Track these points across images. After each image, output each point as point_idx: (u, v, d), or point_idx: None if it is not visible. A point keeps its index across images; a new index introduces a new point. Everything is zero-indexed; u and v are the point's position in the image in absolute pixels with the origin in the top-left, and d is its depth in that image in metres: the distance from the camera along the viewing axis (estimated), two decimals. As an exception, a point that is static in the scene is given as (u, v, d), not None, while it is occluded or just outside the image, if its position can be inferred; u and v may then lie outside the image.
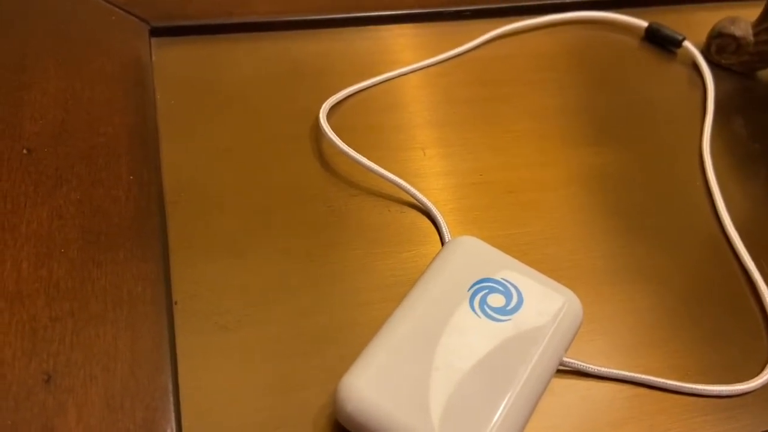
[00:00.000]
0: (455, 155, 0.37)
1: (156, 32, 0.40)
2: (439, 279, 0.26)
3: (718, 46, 0.45)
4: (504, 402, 0.23)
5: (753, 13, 0.45)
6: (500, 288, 0.26)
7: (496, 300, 0.26)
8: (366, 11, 0.44)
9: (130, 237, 0.29)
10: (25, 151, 0.31)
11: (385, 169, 0.34)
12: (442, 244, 0.32)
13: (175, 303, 0.28)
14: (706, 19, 0.47)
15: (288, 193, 0.34)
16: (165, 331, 0.27)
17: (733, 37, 0.44)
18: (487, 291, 0.26)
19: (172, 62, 0.39)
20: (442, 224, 0.32)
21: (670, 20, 0.46)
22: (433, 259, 0.29)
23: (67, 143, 0.32)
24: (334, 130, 0.35)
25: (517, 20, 0.45)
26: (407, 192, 0.34)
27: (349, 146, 0.35)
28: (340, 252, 0.31)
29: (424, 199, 0.33)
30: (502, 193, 0.35)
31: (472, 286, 0.26)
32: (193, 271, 0.30)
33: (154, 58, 0.39)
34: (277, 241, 0.32)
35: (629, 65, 0.45)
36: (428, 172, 0.36)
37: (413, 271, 0.31)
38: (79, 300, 0.27)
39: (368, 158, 0.34)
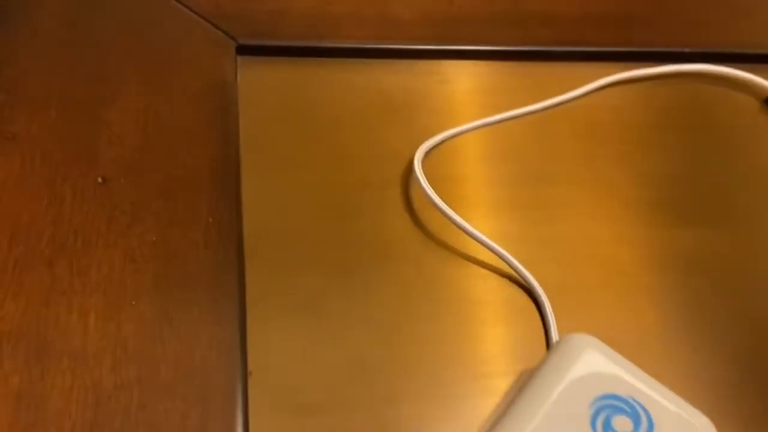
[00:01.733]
0: (559, 220, 0.33)
1: (242, 50, 0.37)
2: (554, 388, 0.23)
3: None
4: None
5: None
6: (627, 409, 0.22)
7: (622, 424, 0.22)
8: (465, 44, 0.41)
9: (206, 291, 0.26)
10: (100, 180, 0.29)
11: (481, 231, 0.31)
12: (545, 328, 0.28)
13: (250, 374, 0.25)
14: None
15: (373, 249, 0.31)
16: (238, 409, 0.24)
17: None
18: (611, 411, 0.22)
19: (257, 85, 0.36)
20: (546, 307, 0.29)
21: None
22: (545, 358, 0.25)
23: (145, 174, 0.30)
24: (426, 179, 0.32)
25: (631, 67, 0.41)
26: (508, 263, 0.30)
27: (442, 200, 0.31)
28: (428, 327, 0.28)
29: (527, 274, 0.30)
30: (612, 272, 0.32)
31: (594, 402, 0.22)
32: (270, 336, 0.27)
33: (238, 79, 0.36)
34: (361, 307, 0.28)
35: (751, 129, 0.41)
36: (529, 238, 0.32)
37: (512, 360, 0.27)
38: (147, 365, 0.24)
39: (463, 215, 0.31)
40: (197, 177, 0.30)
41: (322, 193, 0.32)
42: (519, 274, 0.30)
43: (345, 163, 0.34)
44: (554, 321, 0.28)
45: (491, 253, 0.30)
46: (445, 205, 0.31)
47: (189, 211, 0.29)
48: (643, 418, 0.22)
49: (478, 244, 0.31)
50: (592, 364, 0.24)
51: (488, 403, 0.24)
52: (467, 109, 0.38)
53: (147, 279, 0.26)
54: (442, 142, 0.36)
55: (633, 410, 0.23)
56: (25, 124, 0.29)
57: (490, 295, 0.30)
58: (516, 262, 0.30)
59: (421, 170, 0.33)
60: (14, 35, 0.32)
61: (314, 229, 0.31)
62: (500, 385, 0.25)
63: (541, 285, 0.29)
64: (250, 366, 0.25)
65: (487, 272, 0.30)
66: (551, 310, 0.29)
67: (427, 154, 0.35)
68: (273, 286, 0.28)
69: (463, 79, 0.40)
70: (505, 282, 0.30)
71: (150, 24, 0.36)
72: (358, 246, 0.31)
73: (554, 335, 0.28)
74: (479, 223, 0.31)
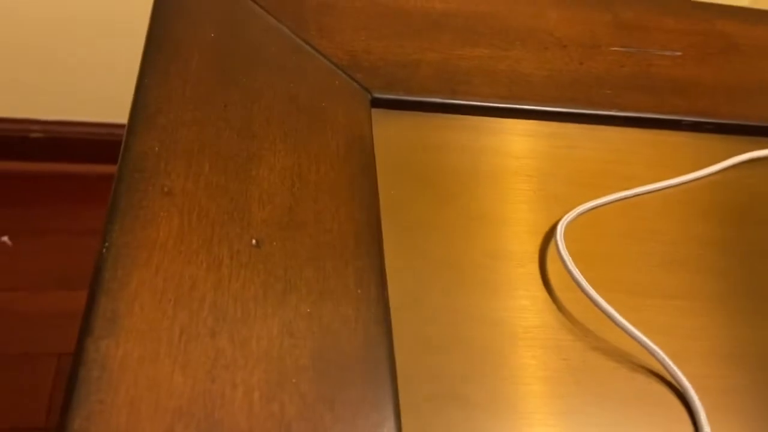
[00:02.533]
0: (706, 312, 0.32)
1: (376, 103, 0.37)
2: None
3: None
4: None
5: None
6: None
7: None
8: (593, 108, 0.40)
9: (361, 372, 0.26)
10: (254, 242, 0.28)
11: (625, 319, 0.30)
12: (697, 434, 0.27)
13: (406, 464, 0.25)
14: None
15: (513, 331, 0.30)
16: (399, 505, 0.23)
17: None
18: None
19: (391, 141, 0.36)
20: (701, 415, 0.28)
21: None
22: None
23: (295, 238, 0.29)
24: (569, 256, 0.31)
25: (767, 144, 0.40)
26: (659, 360, 0.29)
27: (585, 280, 0.30)
28: (577, 424, 0.27)
29: (681, 376, 0.29)
30: (764, 374, 0.30)
31: None
32: (421, 423, 0.26)
33: (373, 133, 0.36)
34: (506, 395, 0.28)
35: None
36: (677, 330, 0.31)
37: (667, 467, 0.26)
38: (312, 451, 0.23)
39: (606, 298, 0.30)
40: (343, 242, 0.30)
41: (460, 264, 0.32)
42: (671, 375, 0.29)
43: (481, 231, 0.33)
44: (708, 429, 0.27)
45: (638, 344, 0.29)
46: (591, 288, 0.30)
47: (338, 281, 0.29)
48: None
49: (623, 332, 0.30)
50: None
51: None
52: (599, 179, 0.37)
53: (305, 355, 0.26)
54: (579, 216, 0.35)
55: None
56: (180, 177, 0.29)
57: (639, 395, 0.29)
58: (669, 362, 0.29)
59: (565, 249, 0.32)
60: (166, 84, 0.32)
61: (454, 304, 0.30)
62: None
63: (694, 389, 0.28)
64: (406, 456, 0.25)
65: (635, 366, 0.30)
66: (706, 419, 0.27)
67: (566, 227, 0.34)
68: (419, 369, 0.28)
69: (591, 145, 0.39)
70: (653, 381, 0.29)
71: (293, 74, 0.36)
72: (500, 325, 0.30)
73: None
74: (622, 309, 0.30)
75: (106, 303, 0.25)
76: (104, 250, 0.26)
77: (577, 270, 0.31)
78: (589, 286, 0.30)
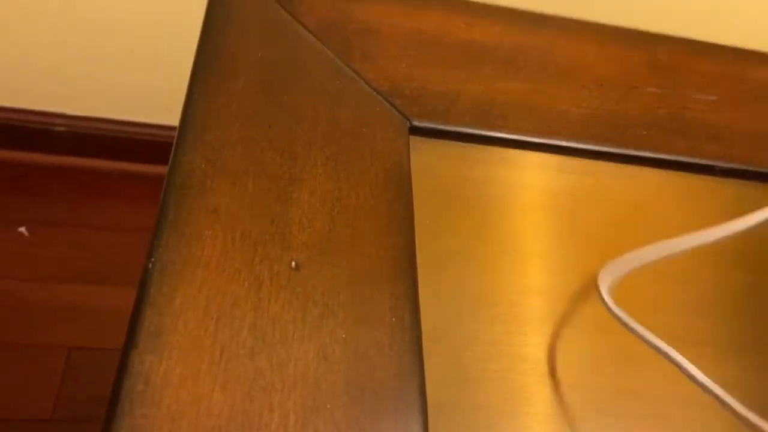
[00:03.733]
0: (734, 359, 0.32)
1: (414, 131, 0.38)
2: None
3: None
4: None
5: None
6: None
7: None
8: (629, 148, 0.40)
9: (393, 401, 0.26)
10: (293, 265, 0.29)
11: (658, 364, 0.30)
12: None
13: (434, 497, 0.25)
14: None
15: (543, 369, 0.30)
16: None
17: None
18: None
19: (428, 169, 0.37)
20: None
21: None
22: None
23: (333, 262, 0.30)
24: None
25: (799, 196, 0.40)
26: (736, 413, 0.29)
27: (644, 327, 0.31)
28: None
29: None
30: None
31: None
32: (451, 455, 0.26)
33: (411, 161, 0.36)
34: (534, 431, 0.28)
35: None
36: (754, 387, 0.31)
37: None
38: (344, 478, 0.24)
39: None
40: (379, 270, 0.30)
41: (492, 297, 0.32)
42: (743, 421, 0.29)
43: (513, 265, 0.34)
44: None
45: (674, 390, 0.30)
46: (654, 337, 0.30)
47: (374, 307, 0.29)
48: None
49: (657, 377, 0.30)
50: None
51: None
52: (632, 220, 0.37)
53: (339, 381, 0.26)
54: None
55: None
56: (224, 196, 0.30)
57: (661, 436, 0.29)
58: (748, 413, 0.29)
59: (612, 299, 0.32)
60: (215, 101, 0.33)
61: (485, 337, 0.30)
62: None
63: None
64: (434, 488, 0.25)
65: (672, 412, 0.30)
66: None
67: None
68: (449, 400, 0.28)
69: (624, 184, 0.39)
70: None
71: (335, 98, 0.36)
72: (530, 362, 0.30)
73: None
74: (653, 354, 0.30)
75: (152, 317, 0.25)
76: (150, 265, 0.26)
77: (632, 319, 0.31)
78: (651, 334, 0.30)
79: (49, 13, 1.00)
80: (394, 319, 0.29)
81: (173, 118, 0.34)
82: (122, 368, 0.24)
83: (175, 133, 0.32)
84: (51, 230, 1.17)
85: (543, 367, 0.30)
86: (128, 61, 1.07)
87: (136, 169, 1.22)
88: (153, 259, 0.27)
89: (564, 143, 0.40)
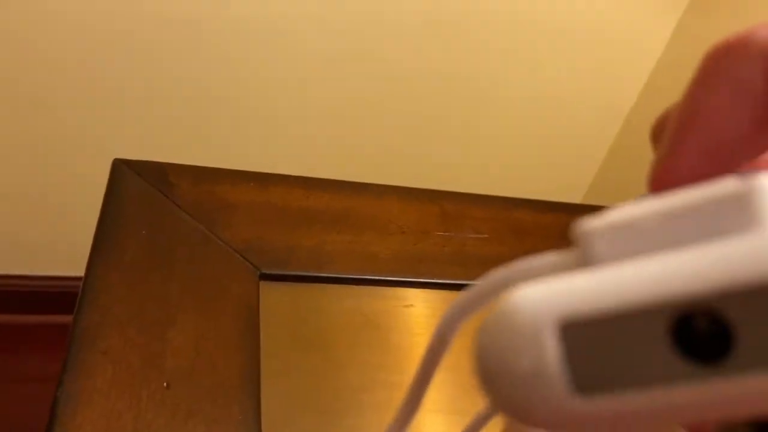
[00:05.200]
0: None
1: (264, 277, 0.52)
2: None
3: None
4: None
5: None
6: None
7: None
8: (424, 277, 0.56)
9: (237, 474, 0.38)
10: (165, 385, 0.41)
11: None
12: None
13: None
14: None
15: (353, 441, 0.43)
16: None
17: None
18: None
19: (274, 305, 0.50)
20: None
21: None
22: None
23: (196, 381, 0.42)
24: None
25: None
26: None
27: None
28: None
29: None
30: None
31: None
32: None
33: (260, 299, 0.50)
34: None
35: None
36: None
37: None
38: None
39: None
40: (230, 383, 0.43)
41: (323, 395, 0.45)
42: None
43: (338, 371, 0.47)
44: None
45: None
46: None
47: (226, 409, 0.41)
48: None
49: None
50: None
51: None
52: (430, 329, 0.52)
53: (197, 464, 0.38)
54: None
55: None
56: (113, 339, 0.42)
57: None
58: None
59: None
60: (107, 270, 0.46)
61: (321, 425, 0.43)
62: None
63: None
64: None
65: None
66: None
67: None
68: (281, 470, 0.40)
69: (423, 303, 0.54)
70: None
71: (202, 258, 0.50)
72: (342, 439, 0.43)
73: None
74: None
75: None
76: (59, 394, 0.38)
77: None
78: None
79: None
80: (240, 417, 0.41)
81: (79, 269, 0.45)
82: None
83: (77, 296, 0.44)
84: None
85: (351, 442, 0.43)
86: (32, 220, 1.17)
87: (45, 320, 1.28)
88: (61, 389, 0.38)
89: (377, 277, 0.54)
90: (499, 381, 0.10)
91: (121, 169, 0.53)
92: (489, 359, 0.10)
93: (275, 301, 0.51)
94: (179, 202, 0.54)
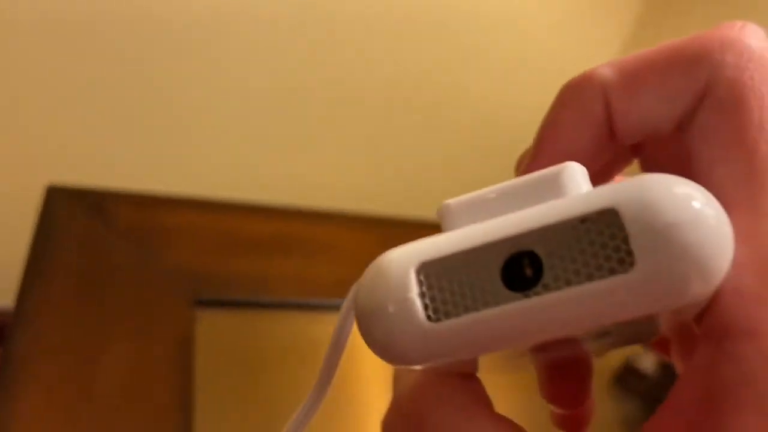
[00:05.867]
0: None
1: (201, 303, 0.51)
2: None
3: None
4: None
5: None
6: None
7: None
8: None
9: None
10: (97, 409, 0.40)
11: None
12: None
13: None
14: None
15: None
16: None
17: None
18: None
19: (212, 331, 0.50)
20: None
21: None
22: None
23: (129, 405, 0.41)
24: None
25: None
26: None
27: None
28: None
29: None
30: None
31: None
32: None
33: (197, 325, 0.50)
34: None
35: None
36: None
37: None
38: None
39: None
40: (165, 409, 0.42)
41: (259, 422, 0.45)
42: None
43: (276, 397, 0.47)
44: None
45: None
46: None
47: (158, 430, 0.41)
48: None
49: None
50: None
51: None
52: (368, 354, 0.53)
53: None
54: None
55: None
56: (46, 366, 0.41)
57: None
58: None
59: None
60: (39, 299, 0.45)
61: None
62: None
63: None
64: None
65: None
66: None
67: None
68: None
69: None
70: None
71: (138, 283, 0.49)
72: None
73: None
74: None
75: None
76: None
77: None
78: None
79: None
80: (176, 442, 0.41)
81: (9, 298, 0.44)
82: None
83: (10, 324, 0.43)
84: None
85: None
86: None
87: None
88: (-14, 420, 0.37)
89: (318, 302, 0.55)
90: (374, 322, 0.12)
91: (55, 195, 0.52)
92: (366, 305, 0.13)
93: (213, 327, 0.50)
94: (115, 228, 0.53)
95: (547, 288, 0.12)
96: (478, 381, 0.15)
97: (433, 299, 0.12)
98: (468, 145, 1.10)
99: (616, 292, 0.11)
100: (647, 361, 0.58)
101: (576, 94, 0.15)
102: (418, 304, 0.12)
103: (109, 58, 0.88)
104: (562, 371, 0.19)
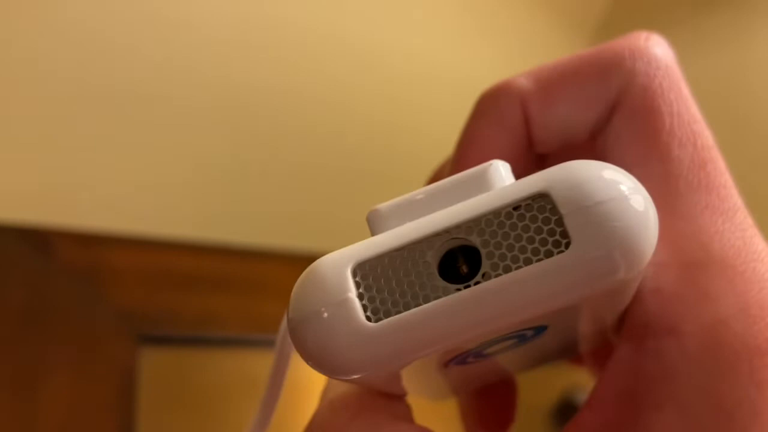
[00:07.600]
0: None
1: (144, 339, 0.51)
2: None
3: None
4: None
5: None
6: None
7: None
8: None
9: None
10: (34, 449, 0.39)
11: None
12: None
13: None
14: None
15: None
16: None
17: None
18: None
19: (156, 368, 0.49)
20: None
21: None
22: None
23: (69, 443, 0.40)
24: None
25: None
26: None
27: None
28: None
29: None
30: None
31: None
32: None
33: (140, 361, 0.49)
34: None
35: None
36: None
37: None
38: None
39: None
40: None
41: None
42: None
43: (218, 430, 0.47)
44: None
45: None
46: None
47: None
48: None
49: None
50: None
51: None
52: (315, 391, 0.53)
53: None
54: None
55: None
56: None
57: None
58: None
59: None
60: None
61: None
62: None
63: None
64: None
65: None
66: None
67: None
68: None
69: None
70: None
71: (77, 319, 0.49)
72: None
73: None
74: None
75: None
76: None
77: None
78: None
79: None
80: (116, 480, 0.40)
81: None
82: None
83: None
84: None
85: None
86: None
87: None
88: None
89: (263, 338, 0.55)
90: (308, 329, 0.12)
91: (-3, 229, 0.51)
92: (298, 314, 0.12)
93: (156, 364, 0.50)
94: (58, 264, 0.52)
95: (486, 277, 0.12)
96: (404, 403, 0.14)
97: (371, 299, 0.12)
98: (381, 175, 1.12)
99: (555, 274, 0.11)
100: (584, 396, 0.60)
101: (494, 103, 0.15)
102: (356, 304, 0.12)
103: (49, 93, 0.88)
104: (488, 394, 0.19)
